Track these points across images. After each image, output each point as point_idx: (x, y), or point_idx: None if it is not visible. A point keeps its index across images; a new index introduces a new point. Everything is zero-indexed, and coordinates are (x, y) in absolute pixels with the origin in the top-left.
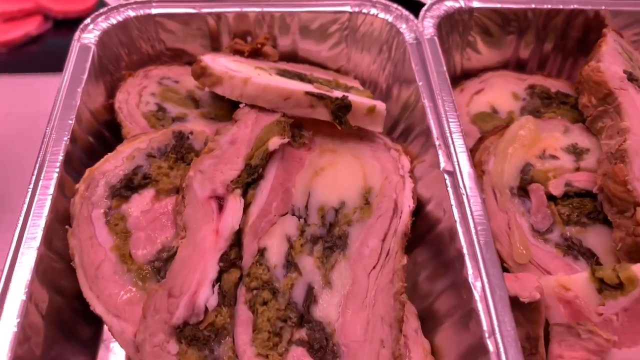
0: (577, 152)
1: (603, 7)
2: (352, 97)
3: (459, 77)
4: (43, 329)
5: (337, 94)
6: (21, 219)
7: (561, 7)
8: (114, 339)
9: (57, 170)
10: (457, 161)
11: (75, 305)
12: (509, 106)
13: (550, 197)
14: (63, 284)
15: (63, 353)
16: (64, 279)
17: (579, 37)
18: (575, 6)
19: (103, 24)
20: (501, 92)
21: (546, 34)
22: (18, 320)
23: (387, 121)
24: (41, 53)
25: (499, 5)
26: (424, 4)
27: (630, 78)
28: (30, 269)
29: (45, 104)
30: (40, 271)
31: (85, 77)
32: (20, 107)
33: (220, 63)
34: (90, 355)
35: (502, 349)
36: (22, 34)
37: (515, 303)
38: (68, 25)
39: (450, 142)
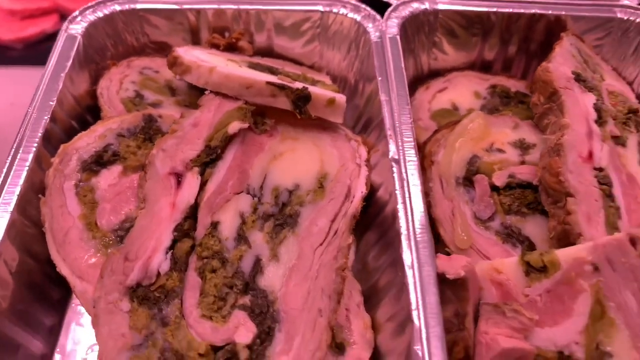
0: (523, 146)
1: (564, 12)
2: (313, 88)
3: (426, 76)
4: (12, 285)
5: (298, 85)
6: None
7: (522, 11)
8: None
9: (35, 145)
10: (404, 151)
11: (46, 269)
12: (470, 104)
13: (494, 188)
14: (35, 248)
15: (31, 310)
16: (35, 244)
17: (542, 40)
18: (537, 10)
19: (90, 16)
20: (463, 91)
21: (510, 36)
22: None
23: (353, 114)
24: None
25: (463, 8)
26: (390, 5)
27: (578, 79)
28: (2, 230)
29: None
30: (12, 235)
31: (69, 64)
32: (25, 97)
33: (192, 54)
34: (58, 316)
35: (422, 321)
36: (38, 31)
37: (444, 281)
38: None
39: (400, 133)
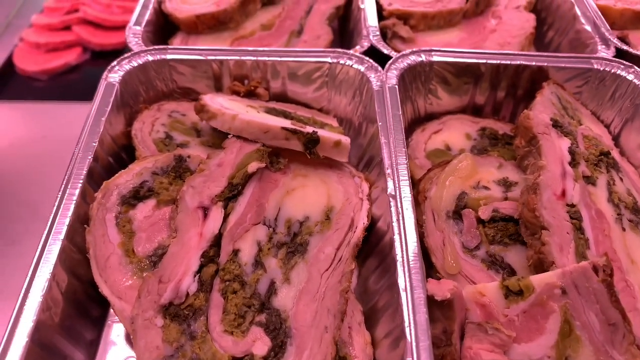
0: (506, 184)
1: (546, 64)
2: (322, 132)
3: (423, 119)
4: (61, 303)
5: (309, 129)
6: (51, 217)
7: (509, 62)
8: (116, 317)
9: (81, 182)
10: (400, 187)
11: (88, 289)
12: (461, 145)
13: (480, 221)
14: (80, 271)
15: (76, 326)
16: (80, 268)
17: (527, 87)
18: (522, 62)
19: (126, 65)
20: (456, 133)
21: (498, 83)
22: (43, 292)
23: (357, 152)
24: (78, 81)
25: (455, 60)
26: (391, 57)
27: (555, 125)
28: (55, 255)
29: (78, 129)
30: (63, 259)
31: (108, 109)
32: (56, 130)
33: (217, 102)
34: (97, 331)
35: (414, 337)
36: (62, 63)
37: (434, 302)
38: (104, 56)
39: (396, 172)
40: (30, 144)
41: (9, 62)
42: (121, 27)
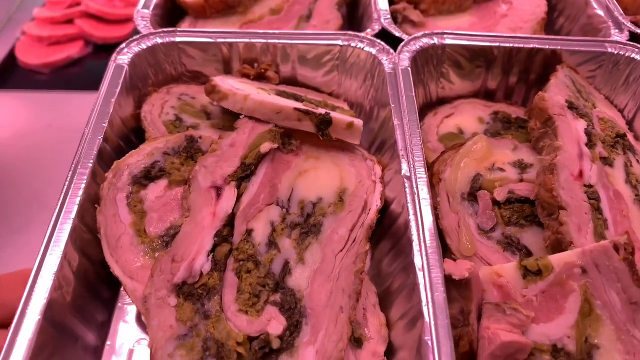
0: (522, 166)
1: (559, 47)
2: (334, 113)
3: (434, 104)
4: (73, 283)
5: (321, 110)
6: (61, 197)
7: (522, 45)
8: (128, 297)
9: (91, 162)
10: (414, 168)
11: (99, 270)
12: (474, 128)
13: (495, 202)
14: (90, 251)
15: (87, 306)
16: (91, 248)
17: (540, 71)
18: (535, 45)
19: (135, 48)
20: (468, 117)
21: (511, 67)
22: (55, 271)
23: (369, 136)
24: (80, 74)
25: (467, 43)
26: (402, 40)
27: (571, 106)
28: (66, 235)
29: (82, 118)
30: (74, 238)
31: (118, 90)
32: (60, 120)
33: (227, 83)
34: (107, 313)
35: (432, 315)
36: (64, 56)
37: (451, 282)
38: (107, 49)
39: (411, 153)
40: (34, 133)
41: (11, 55)
42: (123, 21)
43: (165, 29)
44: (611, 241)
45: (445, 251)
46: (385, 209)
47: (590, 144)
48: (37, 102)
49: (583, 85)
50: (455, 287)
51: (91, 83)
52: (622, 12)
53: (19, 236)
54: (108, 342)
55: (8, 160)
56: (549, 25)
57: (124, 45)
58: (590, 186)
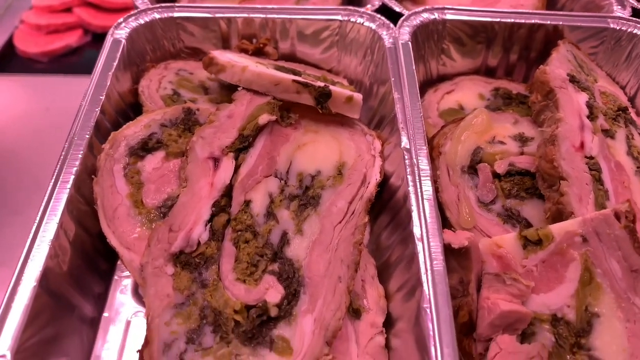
0: (522, 139)
1: (561, 23)
2: (333, 87)
3: (435, 80)
4: (69, 252)
5: (320, 83)
6: (57, 167)
7: (523, 21)
8: (125, 270)
9: (88, 134)
10: (415, 141)
11: (95, 242)
12: (475, 104)
13: (496, 175)
14: (87, 223)
15: (84, 277)
16: (87, 219)
17: (541, 48)
18: (536, 21)
19: (133, 23)
20: (469, 93)
21: (511, 44)
22: (51, 239)
23: (368, 113)
24: (79, 63)
25: (468, 18)
26: (403, 15)
27: (572, 80)
28: (63, 204)
29: (80, 101)
30: (70, 208)
31: (115, 64)
32: (59, 103)
33: (226, 56)
34: (104, 285)
35: (430, 283)
36: (62, 45)
37: (450, 252)
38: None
39: (411, 126)
40: (33, 117)
41: (10, 43)
42: (122, 9)
43: (163, 4)
44: (612, 209)
45: (445, 225)
46: (384, 183)
47: (591, 117)
48: (35, 86)
49: (585, 61)
50: (455, 258)
51: (89, 72)
52: None
53: (16, 217)
54: (105, 314)
55: (7, 143)
56: (551, 4)
57: (121, 20)
58: (591, 157)
